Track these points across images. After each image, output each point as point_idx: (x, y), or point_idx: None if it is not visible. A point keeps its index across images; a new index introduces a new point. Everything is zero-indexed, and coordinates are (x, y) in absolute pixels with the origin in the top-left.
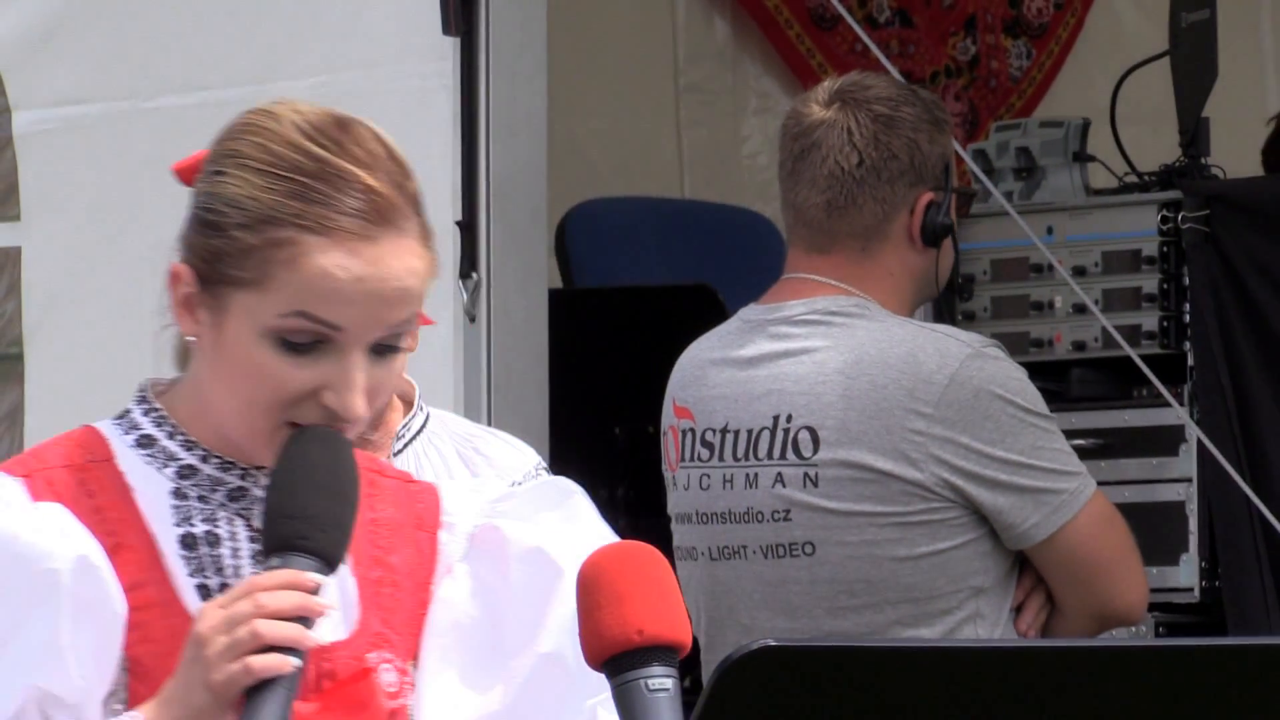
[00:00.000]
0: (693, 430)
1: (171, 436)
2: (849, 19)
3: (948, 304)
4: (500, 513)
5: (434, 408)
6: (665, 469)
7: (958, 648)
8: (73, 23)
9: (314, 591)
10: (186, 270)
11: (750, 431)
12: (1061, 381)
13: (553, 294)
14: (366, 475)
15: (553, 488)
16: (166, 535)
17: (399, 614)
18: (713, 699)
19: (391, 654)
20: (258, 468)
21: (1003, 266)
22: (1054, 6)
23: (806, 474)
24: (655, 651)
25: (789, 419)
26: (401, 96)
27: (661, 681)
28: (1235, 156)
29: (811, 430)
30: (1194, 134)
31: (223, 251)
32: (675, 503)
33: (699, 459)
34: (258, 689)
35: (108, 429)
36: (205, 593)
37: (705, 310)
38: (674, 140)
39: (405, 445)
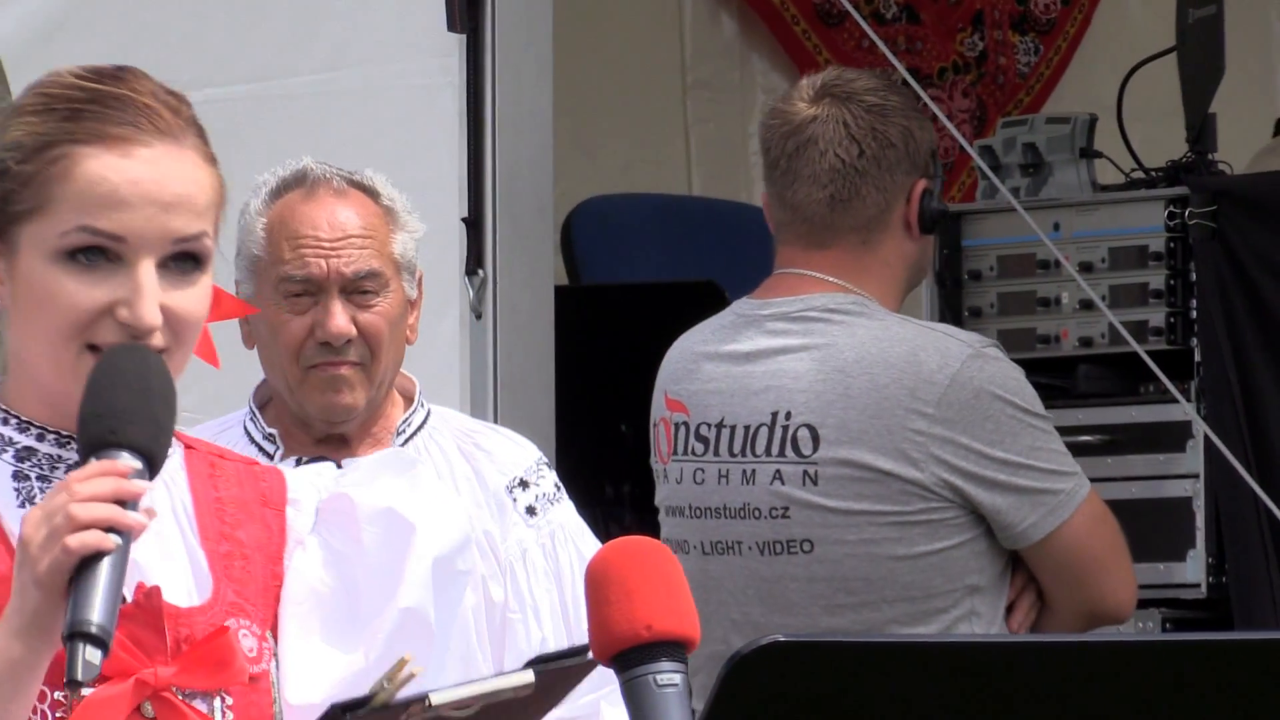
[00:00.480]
0: (686, 424)
1: (5, 421)
2: (855, 15)
3: (954, 300)
4: (346, 484)
5: (438, 404)
6: (655, 461)
7: (965, 643)
8: (76, 19)
9: (129, 476)
10: None
11: (748, 427)
12: (1068, 377)
13: (559, 291)
14: (208, 458)
15: (393, 458)
16: (11, 516)
17: (251, 585)
18: (722, 694)
19: (249, 620)
20: None
21: (1009, 262)
22: (1061, 2)
23: (806, 472)
24: (663, 647)
25: (788, 416)
26: (406, 93)
27: (670, 677)
28: (1242, 152)
29: (811, 428)
30: (1201, 130)
31: (6, 192)
32: (666, 495)
33: (693, 453)
34: (81, 571)
35: None
36: None
37: (711, 307)
38: (681, 137)
39: (406, 440)
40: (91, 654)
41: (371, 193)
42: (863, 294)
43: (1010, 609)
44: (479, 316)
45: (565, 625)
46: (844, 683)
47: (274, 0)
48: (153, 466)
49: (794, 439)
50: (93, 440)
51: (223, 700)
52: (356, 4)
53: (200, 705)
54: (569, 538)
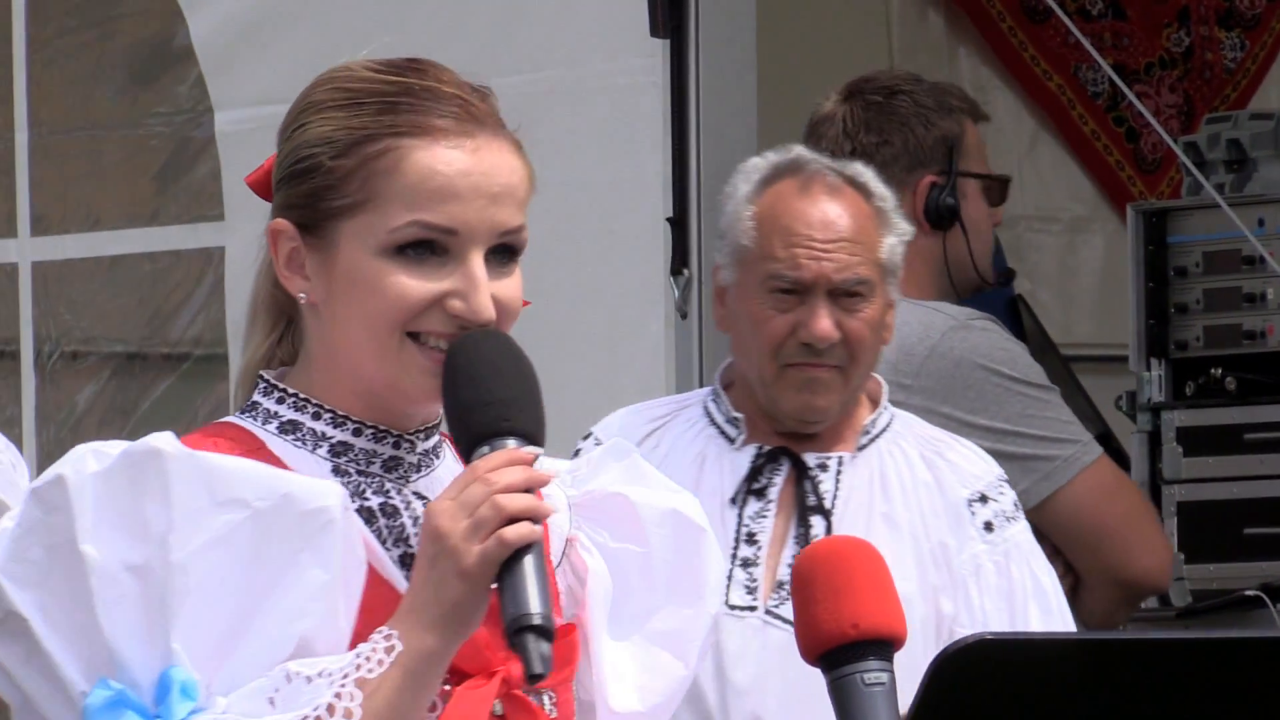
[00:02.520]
0: None
1: (317, 416)
2: (1060, 13)
3: (1160, 296)
4: (586, 476)
5: (898, 410)
6: None
7: (1169, 639)
8: (273, 22)
9: (530, 464)
10: (286, 224)
11: None
12: (1274, 373)
13: None
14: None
15: (613, 450)
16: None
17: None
18: (929, 690)
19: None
20: (411, 434)
21: (1215, 259)
22: None
23: None
24: (870, 645)
25: None
26: (610, 94)
27: (877, 675)
28: None
29: None
30: None
31: (321, 188)
32: None
33: None
34: (509, 563)
35: (244, 423)
36: (406, 562)
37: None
38: None
39: (870, 441)
40: (544, 646)
41: (865, 191)
42: None
43: None
44: (684, 316)
45: None
46: (1048, 679)
47: (476, 1)
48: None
49: None
50: (483, 429)
51: (550, 697)
52: (560, 4)
53: (535, 701)
54: (1024, 557)
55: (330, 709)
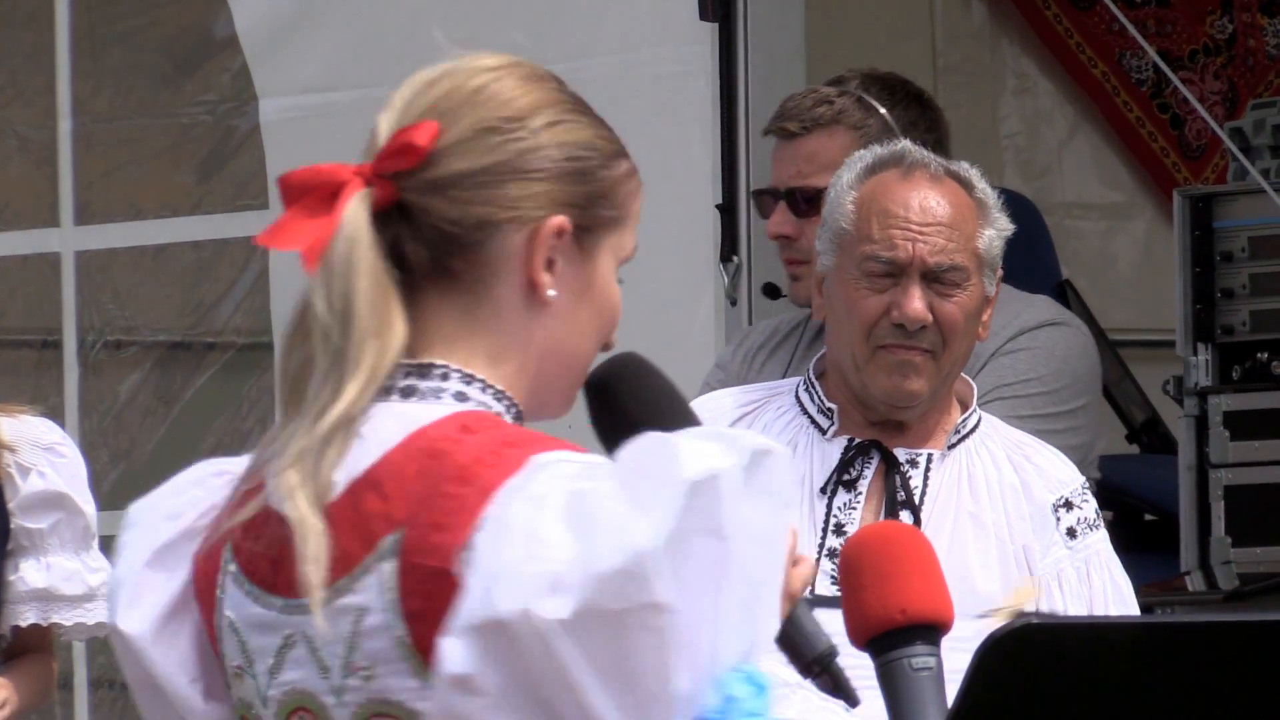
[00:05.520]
0: None
1: (509, 411)
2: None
3: (1206, 281)
4: None
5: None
6: None
7: (1220, 623)
8: (317, 11)
9: None
10: (568, 223)
11: None
12: None
13: None
14: None
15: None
16: None
17: None
18: (976, 675)
19: None
20: None
21: (1260, 244)
22: None
23: None
24: (918, 631)
25: None
26: (658, 81)
27: (925, 660)
28: None
29: None
30: None
31: (594, 195)
32: None
33: None
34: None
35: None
36: None
37: None
38: None
39: (959, 440)
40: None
41: (966, 184)
42: None
43: None
44: (734, 303)
45: None
46: (1093, 663)
47: None
48: None
49: None
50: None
51: None
52: None
53: None
54: (1104, 565)
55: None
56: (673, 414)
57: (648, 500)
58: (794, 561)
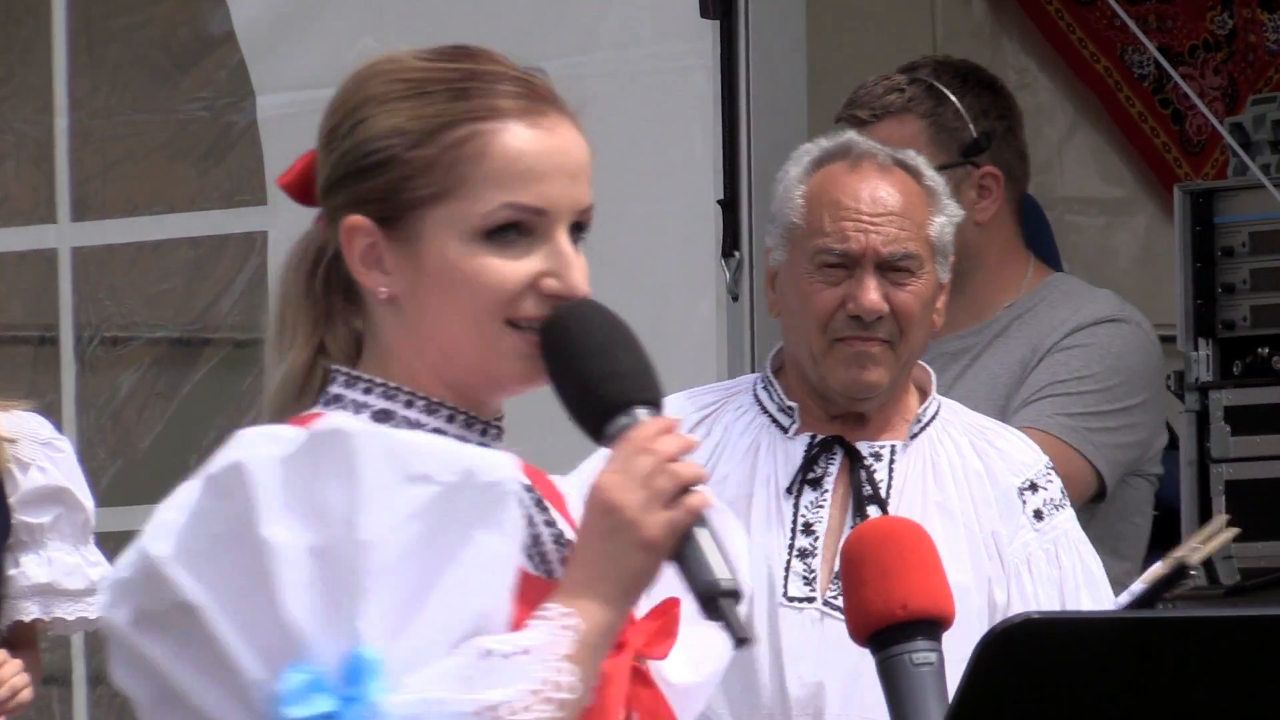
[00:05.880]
0: None
1: (410, 404)
2: None
3: (1207, 277)
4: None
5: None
6: None
7: (1222, 618)
8: (314, 7)
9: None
10: (363, 220)
11: None
12: None
13: None
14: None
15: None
16: None
17: None
18: (976, 670)
19: None
20: (496, 421)
21: (1261, 239)
22: None
23: None
24: (919, 626)
25: None
26: (659, 77)
27: (926, 656)
28: None
29: None
30: None
31: (399, 179)
32: None
33: None
34: (686, 534)
35: (333, 414)
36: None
37: None
38: None
39: (920, 430)
40: (741, 610)
41: (915, 172)
42: None
43: None
44: (735, 299)
45: None
46: (1095, 658)
47: None
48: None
49: None
50: (618, 400)
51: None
52: None
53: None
54: (1072, 544)
55: (556, 685)
56: (621, 349)
57: (174, 501)
58: (682, 490)
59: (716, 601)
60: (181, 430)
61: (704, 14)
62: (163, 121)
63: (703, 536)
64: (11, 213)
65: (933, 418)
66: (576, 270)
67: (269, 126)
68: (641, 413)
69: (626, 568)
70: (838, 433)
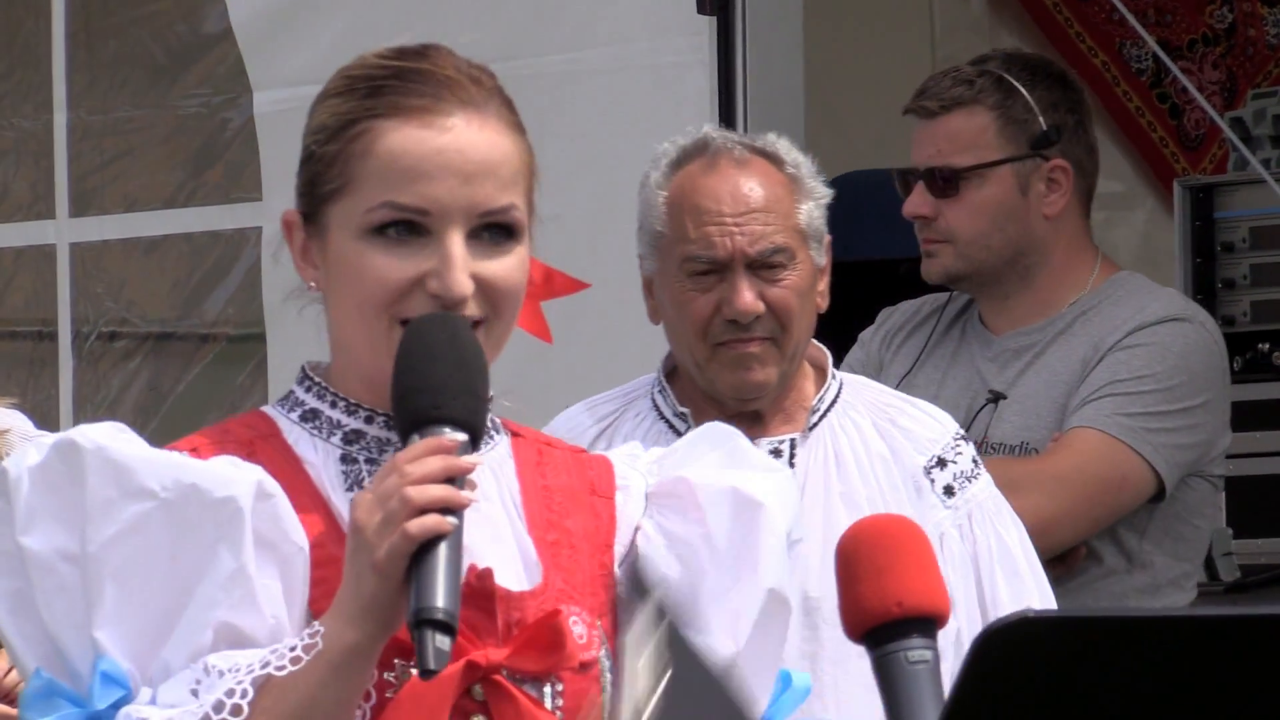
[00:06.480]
0: None
1: (334, 405)
2: None
3: (1207, 272)
4: (673, 464)
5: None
6: None
7: (1222, 616)
8: (310, 4)
9: (455, 452)
10: (294, 214)
11: None
12: None
13: None
14: (535, 445)
15: (711, 432)
16: (340, 499)
17: (579, 574)
18: (972, 669)
19: (579, 608)
20: None
21: (1262, 234)
22: None
23: None
24: (914, 623)
25: None
26: (655, 72)
27: (921, 653)
28: None
29: None
30: None
31: (314, 175)
32: None
33: None
34: (421, 555)
35: (273, 411)
36: None
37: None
38: None
39: (820, 417)
40: (441, 641)
41: (775, 160)
42: None
43: None
44: None
45: (981, 612)
46: (1092, 658)
47: None
48: (475, 440)
49: None
50: (414, 416)
51: (553, 686)
52: None
53: (530, 690)
54: (986, 516)
55: (219, 705)
56: (442, 365)
57: None
58: (413, 512)
59: (418, 628)
60: (177, 425)
61: (701, 10)
62: (160, 118)
63: (435, 561)
64: (10, 209)
65: (834, 401)
66: (456, 271)
67: (265, 123)
68: (441, 431)
69: (364, 589)
70: None
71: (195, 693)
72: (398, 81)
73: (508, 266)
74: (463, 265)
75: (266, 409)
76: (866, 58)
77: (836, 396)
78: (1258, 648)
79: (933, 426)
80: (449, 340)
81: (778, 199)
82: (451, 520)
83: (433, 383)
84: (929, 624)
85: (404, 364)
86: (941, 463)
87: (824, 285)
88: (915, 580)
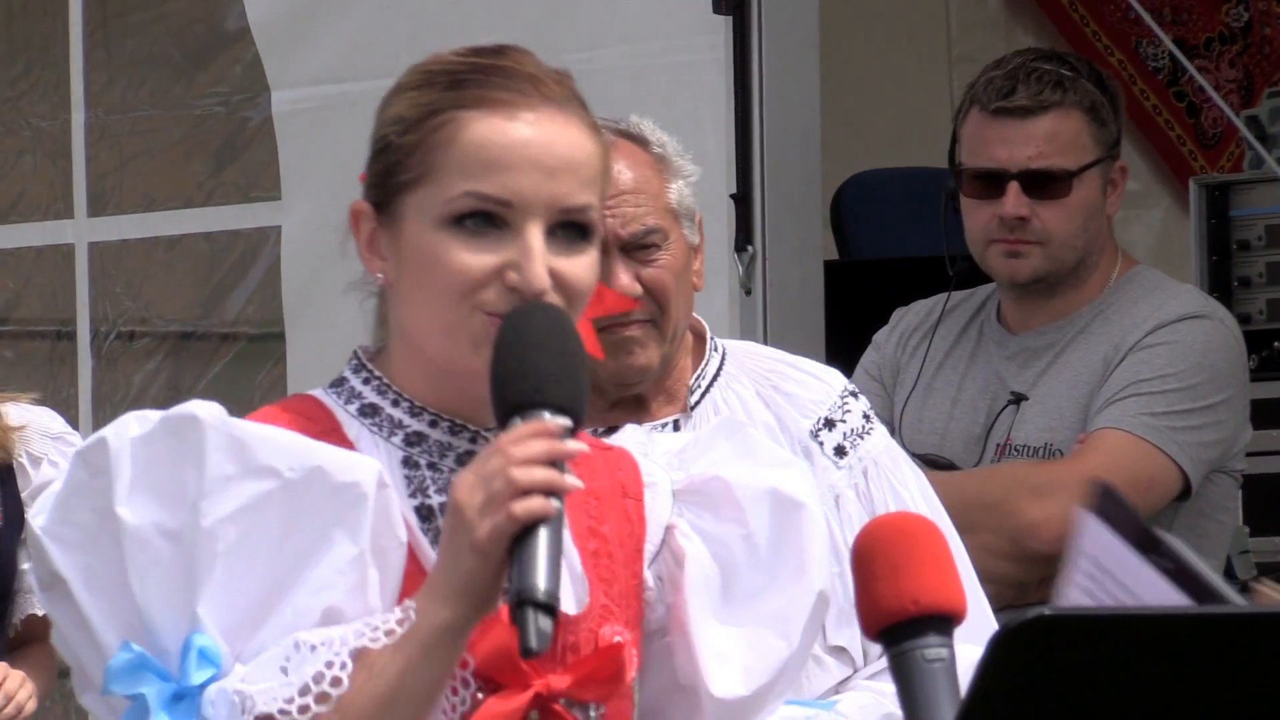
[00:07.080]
0: None
1: (396, 403)
2: None
3: (1223, 270)
4: (693, 458)
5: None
6: None
7: (1241, 614)
8: (328, 3)
9: (560, 436)
10: (364, 205)
11: None
12: None
13: (828, 266)
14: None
15: (723, 426)
16: (404, 507)
17: (616, 585)
18: (988, 667)
19: (619, 625)
20: (488, 429)
21: (1277, 232)
22: None
23: None
24: (931, 621)
25: None
26: (671, 71)
27: (938, 652)
28: None
29: None
30: None
31: (391, 165)
32: None
33: None
34: (522, 538)
35: (327, 400)
36: None
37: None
38: (947, 110)
39: (703, 394)
40: (544, 622)
41: (640, 140)
42: None
43: None
44: (749, 293)
45: None
46: (1110, 654)
47: None
48: (577, 426)
49: None
50: (517, 401)
51: (597, 709)
52: None
53: (576, 713)
54: (882, 473)
55: (319, 677)
56: (543, 352)
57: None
58: (518, 494)
59: (520, 607)
60: None
61: (717, 9)
62: (178, 117)
63: (537, 544)
64: (29, 208)
65: (715, 376)
66: (536, 264)
67: (284, 121)
68: (542, 416)
69: (460, 568)
70: (618, 420)
71: (284, 670)
72: (481, 75)
73: (583, 265)
74: (542, 259)
75: (318, 395)
76: (883, 57)
77: (719, 370)
78: (1276, 645)
79: (817, 388)
80: (553, 329)
81: (646, 180)
82: (555, 504)
83: (538, 368)
84: (945, 622)
85: (506, 351)
86: (829, 423)
87: (699, 264)
88: (931, 578)
